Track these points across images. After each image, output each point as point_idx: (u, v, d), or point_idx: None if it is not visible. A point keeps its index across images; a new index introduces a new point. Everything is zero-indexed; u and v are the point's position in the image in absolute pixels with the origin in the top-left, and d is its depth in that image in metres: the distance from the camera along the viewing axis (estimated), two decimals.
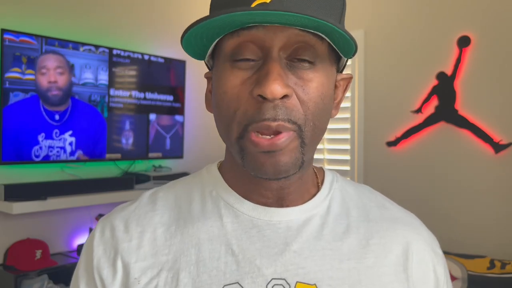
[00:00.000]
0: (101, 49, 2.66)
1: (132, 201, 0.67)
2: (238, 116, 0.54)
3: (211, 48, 0.58)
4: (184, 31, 0.52)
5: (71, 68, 2.52)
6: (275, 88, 0.51)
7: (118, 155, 2.77)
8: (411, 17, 2.73)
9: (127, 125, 2.82)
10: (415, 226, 0.67)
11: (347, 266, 0.59)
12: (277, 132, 0.53)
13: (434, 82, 2.67)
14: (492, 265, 2.25)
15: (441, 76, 2.65)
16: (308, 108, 0.54)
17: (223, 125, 0.58)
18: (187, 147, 3.19)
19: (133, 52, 2.83)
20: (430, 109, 2.70)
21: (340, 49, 0.56)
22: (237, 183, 0.63)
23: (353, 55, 0.56)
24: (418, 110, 2.73)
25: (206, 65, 0.63)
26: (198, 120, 3.29)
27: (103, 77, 2.68)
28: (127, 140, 2.82)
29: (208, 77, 0.65)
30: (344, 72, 0.65)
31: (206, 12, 0.58)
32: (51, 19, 2.55)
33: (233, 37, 0.54)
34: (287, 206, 0.61)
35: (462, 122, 2.57)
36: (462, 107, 2.59)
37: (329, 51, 0.56)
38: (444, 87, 2.64)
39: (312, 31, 0.53)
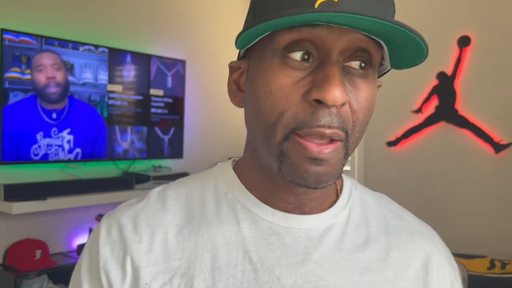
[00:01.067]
0: (100, 49, 2.65)
1: (139, 199, 0.62)
2: (286, 118, 0.50)
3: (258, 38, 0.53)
4: (246, 28, 0.49)
5: (66, 65, 2.52)
6: (337, 95, 0.47)
7: (118, 155, 2.77)
8: (411, 17, 2.73)
9: (127, 125, 2.82)
10: (433, 239, 0.65)
11: (367, 279, 0.57)
12: (327, 140, 0.50)
13: (434, 82, 2.67)
14: (492, 265, 2.25)
15: (441, 76, 2.65)
16: (358, 118, 0.52)
17: (263, 126, 0.52)
18: (187, 147, 3.18)
19: (133, 52, 2.82)
20: (430, 109, 2.70)
21: (395, 58, 0.53)
22: (255, 186, 0.59)
23: (410, 67, 0.53)
24: (418, 110, 2.73)
25: (239, 56, 0.59)
26: (198, 120, 3.29)
27: (103, 77, 2.68)
28: (127, 139, 2.82)
29: (233, 66, 0.59)
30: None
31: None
32: (51, 19, 2.55)
33: (292, 32, 0.49)
34: (308, 213, 0.58)
35: (462, 122, 2.57)
36: (462, 107, 2.59)
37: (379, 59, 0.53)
38: (444, 87, 2.64)
39: (375, 38, 0.50)
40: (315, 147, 0.49)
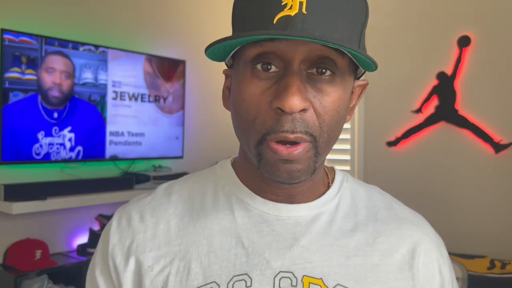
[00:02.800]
0: (100, 49, 2.65)
1: (148, 193, 0.69)
2: (257, 124, 0.56)
3: (232, 53, 0.59)
4: (208, 46, 0.55)
5: (75, 71, 2.52)
6: (294, 103, 0.52)
7: (118, 155, 2.77)
8: (411, 17, 2.73)
9: (127, 125, 2.82)
10: (422, 226, 0.68)
11: (353, 263, 0.61)
12: (294, 143, 0.55)
13: (434, 82, 2.67)
14: (492, 265, 2.25)
15: (441, 76, 2.65)
16: (324, 120, 0.56)
17: (241, 130, 0.59)
18: (187, 147, 3.18)
19: (133, 52, 2.82)
20: (430, 109, 2.70)
21: (361, 64, 0.57)
22: (249, 180, 0.65)
23: (373, 71, 0.58)
24: (418, 110, 2.73)
25: (226, 64, 0.64)
26: (198, 120, 3.29)
27: (103, 77, 2.68)
28: (127, 139, 2.82)
29: (226, 74, 0.66)
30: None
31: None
32: (51, 19, 2.55)
33: (256, 46, 0.55)
34: (297, 203, 0.64)
35: (462, 122, 2.57)
36: (462, 107, 2.59)
37: (349, 63, 0.58)
38: (444, 87, 2.64)
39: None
40: (284, 150, 0.55)
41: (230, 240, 0.61)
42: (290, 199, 0.63)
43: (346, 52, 0.54)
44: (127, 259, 0.62)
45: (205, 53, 0.56)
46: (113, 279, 0.63)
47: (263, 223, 0.62)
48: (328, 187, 0.67)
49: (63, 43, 2.49)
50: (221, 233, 0.62)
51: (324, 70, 0.55)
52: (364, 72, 0.63)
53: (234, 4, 0.60)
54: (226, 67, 0.65)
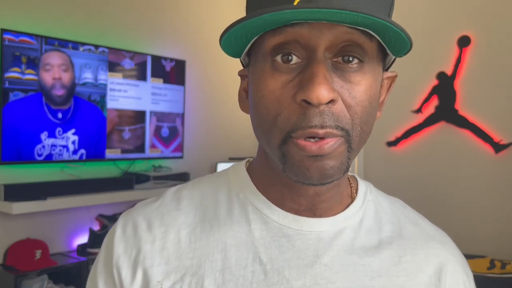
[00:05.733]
0: (100, 49, 2.65)
1: (155, 198, 0.64)
2: (280, 122, 0.50)
3: (248, 45, 0.54)
4: (224, 31, 0.49)
5: (73, 66, 2.52)
6: (321, 93, 0.47)
7: (118, 154, 2.77)
8: (411, 17, 2.73)
9: (127, 125, 2.82)
10: (448, 245, 0.64)
11: (378, 284, 0.56)
12: (323, 138, 0.49)
13: (434, 82, 2.67)
14: (492, 265, 2.25)
15: (441, 76, 2.65)
16: (356, 113, 0.50)
17: (262, 130, 0.53)
18: (187, 147, 3.19)
19: (133, 52, 2.82)
20: (430, 109, 2.70)
21: (391, 48, 0.51)
22: (267, 187, 0.59)
23: (406, 53, 0.51)
24: (418, 110, 2.73)
25: (242, 63, 0.60)
26: (198, 120, 3.29)
27: (103, 77, 2.68)
28: (127, 139, 2.82)
29: (242, 74, 0.61)
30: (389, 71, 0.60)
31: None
32: (51, 19, 2.55)
33: (275, 34, 0.49)
34: (320, 215, 0.58)
35: (462, 122, 2.57)
36: (462, 107, 2.59)
37: (378, 50, 0.52)
38: (444, 87, 2.64)
39: (362, 28, 0.48)
40: (313, 145, 0.49)
41: (246, 256, 0.56)
42: (313, 211, 0.58)
43: (372, 33, 0.49)
44: (134, 272, 0.57)
45: (220, 44, 0.51)
46: None
47: (283, 238, 0.57)
48: (352, 198, 0.62)
49: (63, 43, 2.49)
50: (237, 247, 0.56)
51: (351, 58, 0.50)
52: (392, 62, 0.58)
53: None
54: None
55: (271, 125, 0.51)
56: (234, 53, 0.55)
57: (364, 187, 0.64)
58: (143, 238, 0.58)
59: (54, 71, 2.45)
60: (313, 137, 0.49)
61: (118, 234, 0.60)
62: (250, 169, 0.62)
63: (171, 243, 0.58)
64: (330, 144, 0.49)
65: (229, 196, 0.61)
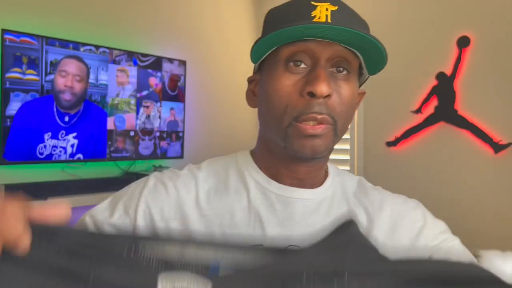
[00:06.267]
0: (101, 49, 2.66)
1: (180, 168, 0.81)
2: (289, 109, 0.68)
3: (266, 54, 0.72)
4: (260, 37, 0.68)
5: (89, 76, 2.53)
6: (323, 88, 0.66)
7: (118, 154, 2.77)
8: (411, 17, 2.73)
9: (127, 125, 2.82)
10: (407, 201, 0.83)
11: None
12: (319, 123, 0.67)
13: (434, 82, 2.68)
14: None
15: (441, 76, 2.66)
16: (342, 109, 0.69)
17: (274, 116, 0.70)
18: (187, 147, 3.19)
19: (134, 52, 2.83)
20: (430, 109, 2.70)
21: (369, 65, 0.71)
22: (266, 167, 0.77)
23: (380, 70, 0.71)
24: (418, 110, 2.73)
25: (254, 71, 0.78)
26: (198, 120, 3.29)
27: (104, 77, 2.68)
28: (127, 139, 2.82)
29: (252, 80, 0.79)
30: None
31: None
32: (52, 19, 2.55)
33: (289, 46, 0.69)
34: (306, 188, 0.76)
35: (462, 122, 2.58)
36: (461, 107, 2.59)
37: (358, 68, 0.72)
38: (444, 87, 2.64)
39: (351, 49, 0.68)
40: (310, 128, 0.68)
41: (249, 216, 0.73)
42: (302, 185, 0.75)
43: (357, 53, 0.69)
44: (149, 214, 0.73)
45: (251, 51, 0.70)
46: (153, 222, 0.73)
47: (277, 204, 0.74)
48: (326, 176, 0.80)
49: (64, 43, 2.49)
50: (242, 210, 0.73)
51: (342, 69, 0.69)
52: (364, 82, 0.77)
53: (265, 19, 0.74)
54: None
55: (282, 112, 0.69)
56: (255, 59, 0.73)
57: (333, 169, 0.83)
58: (171, 193, 0.75)
59: (68, 79, 2.48)
60: (312, 121, 0.67)
61: (150, 185, 0.76)
62: (252, 154, 0.81)
63: (190, 201, 0.74)
64: (322, 128, 0.68)
65: (237, 172, 0.79)
